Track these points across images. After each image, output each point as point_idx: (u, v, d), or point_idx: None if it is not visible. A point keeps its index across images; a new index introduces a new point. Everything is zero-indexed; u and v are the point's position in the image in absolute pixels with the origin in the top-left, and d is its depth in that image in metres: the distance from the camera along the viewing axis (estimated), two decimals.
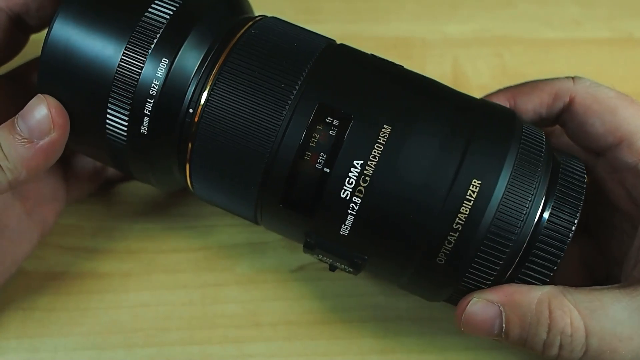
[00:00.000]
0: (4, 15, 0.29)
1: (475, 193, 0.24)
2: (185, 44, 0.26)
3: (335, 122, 0.25)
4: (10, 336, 0.31)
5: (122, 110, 0.26)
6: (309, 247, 0.26)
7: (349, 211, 0.25)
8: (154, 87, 0.25)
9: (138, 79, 0.25)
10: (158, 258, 0.33)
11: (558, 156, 0.27)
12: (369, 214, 0.25)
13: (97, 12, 0.26)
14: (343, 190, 0.25)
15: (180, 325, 0.31)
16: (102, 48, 0.26)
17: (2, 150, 0.26)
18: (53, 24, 0.26)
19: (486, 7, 0.44)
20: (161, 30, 0.25)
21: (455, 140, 0.25)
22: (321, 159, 0.25)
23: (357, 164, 0.25)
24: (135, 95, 0.25)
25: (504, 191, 0.24)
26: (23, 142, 0.26)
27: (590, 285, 0.26)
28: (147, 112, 0.26)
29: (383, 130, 0.25)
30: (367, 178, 0.24)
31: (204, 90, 0.26)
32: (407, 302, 0.32)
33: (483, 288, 0.25)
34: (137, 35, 0.25)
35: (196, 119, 0.26)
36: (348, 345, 0.31)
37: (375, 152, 0.24)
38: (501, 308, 0.25)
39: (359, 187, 0.24)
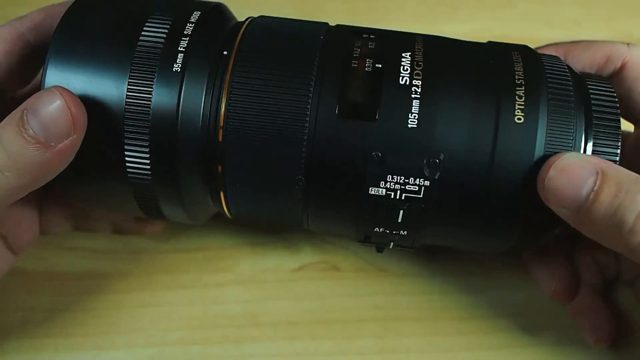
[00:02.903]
0: (25, 41, 0.27)
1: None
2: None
3: (372, 36, 0.25)
4: (11, 336, 0.31)
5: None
6: (377, 168, 0.24)
7: (413, 96, 0.24)
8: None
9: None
10: (158, 258, 0.33)
11: (584, 80, 0.26)
12: (433, 94, 0.24)
13: (90, 48, 0.24)
14: (401, 78, 0.24)
15: (180, 325, 0.31)
16: (104, 88, 0.24)
17: (4, 152, 0.22)
18: (45, 73, 0.24)
19: (486, 7, 0.44)
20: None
21: (485, 94, 0.24)
22: (369, 63, 0.24)
23: (406, 54, 0.25)
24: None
25: (545, 138, 0.24)
26: (36, 146, 0.22)
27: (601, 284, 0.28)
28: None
29: (417, 39, 0.26)
30: (420, 63, 0.24)
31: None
32: (407, 302, 0.32)
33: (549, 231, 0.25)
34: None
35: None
36: (348, 345, 0.31)
37: (417, 46, 0.25)
38: (598, 169, 0.22)
39: (416, 70, 0.24)
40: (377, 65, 0.24)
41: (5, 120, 0.22)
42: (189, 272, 0.33)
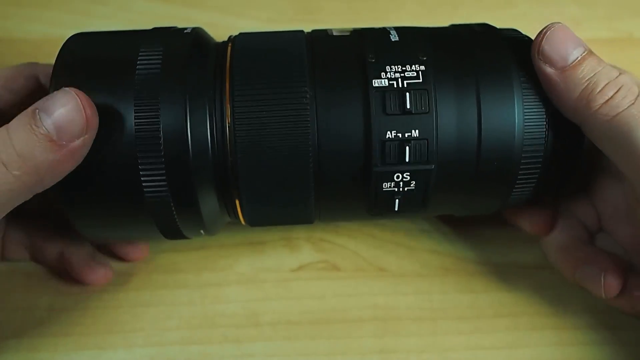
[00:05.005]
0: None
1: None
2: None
3: (348, 33, 0.28)
4: (10, 335, 0.31)
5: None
6: (374, 64, 0.26)
7: (389, 30, 0.27)
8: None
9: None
10: (158, 257, 0.33)
11: None
12: (405, 30, 0.27)
13: (90, 85, 0.25)
14: (376, 26, 0.28)
15: (180, 324, 0.31)
16: (110, 121, 0.25)
17: (14, 150, 0.22)
18: None
19: (486, 7, 0.44)
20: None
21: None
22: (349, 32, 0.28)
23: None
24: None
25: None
26: (48, 144, 0.22)
27: (587, 236, 0.30)
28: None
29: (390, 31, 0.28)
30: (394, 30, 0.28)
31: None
32: (407, 302, 0.32)
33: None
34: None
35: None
36: (348, 345, 0.31)
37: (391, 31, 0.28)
38: (585, 45, 0.26)
39: (389, 28, 0.28)
40: (355, 27, 0.28)
41: (14, 120, 0.22)
42: (188, 271, 0.33)
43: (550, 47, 0.26)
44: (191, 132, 0.25)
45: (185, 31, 0.28)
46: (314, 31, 0.29)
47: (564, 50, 0.26)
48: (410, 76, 0.26)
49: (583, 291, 0.29)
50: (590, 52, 0.26)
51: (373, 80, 0.26)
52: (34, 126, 0.22)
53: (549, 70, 0.26)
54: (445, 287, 0.33)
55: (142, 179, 0.25)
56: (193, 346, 0.31)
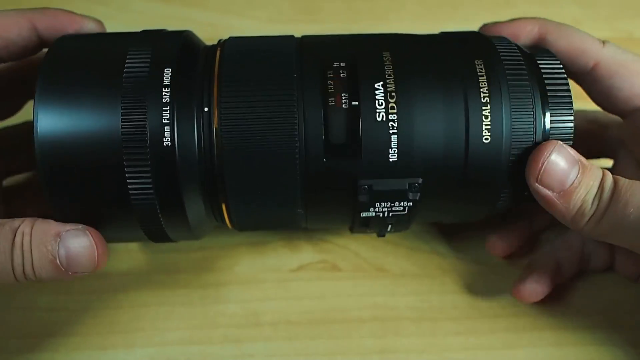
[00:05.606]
0: None
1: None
2: (176, 90, 0.25)
3: (342, 64, 0.26)
4: (11, 336, 0.31)
5: (143, 170, 0.25)
6: (366, 198, 0.26)
7: (391, 131, 0.25)
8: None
9: (146, 135, 0.25)
10: (158, 258, 0.33)
11: (533, 57, 0.28)
12: (408, 126, 0.26)
13: (76, 89, 0.25)
14: (377, 114, 0.25)
15: (180, 325, 0.31)
16: (96, 125, 0.25)
17: (30, 262, 0.24)
18: (36, 117, 0.25)
19: (486, 7, 0.44)
20: (147, 81, 0.25)
21: (454, 107, 0.26)
22: (345, 98, 0.26)
23: (379, 85, 0.26)
24: (151, 150, 0.25)
25: (510, 116, 0.26)
26: (56, 269, 0.25)
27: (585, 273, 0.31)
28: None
29: (384, 54, 0.27)
30: (393, 94, 0.26)
31: (213, 127, 0.25)
32: (407, 302, 0.32)
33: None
34: (128, 99, 0.25)
35: (217, 158, 0.25)
36: (348, 345, 0.31)
37: (387, 70, 0.26)
38: (578, 161, 0.26)
39: (390, 104, 0.25)
40: (353, 103, 0.26)
41: (41, 233, 0.25)
42: (188, 271, 0.33)
43: (549, 175, 0.26)
44: (178, 136, 0.25)
45: (174, 34, 0.28)
46: (304, 36, 0.28)
47: (563, 176, 0.26)
48: (397, 210, 0.27)
49: (582, 292, 0.29)
50: (584, 168, 0.26)
51: (362, 213, 0.27)
52: (51, 253, 0.25)
53: (547, 192, 0.26)
54: (444, 287, 0.33)
55: (127, 181, 0.25)
56: (193, 346, 0.31)
